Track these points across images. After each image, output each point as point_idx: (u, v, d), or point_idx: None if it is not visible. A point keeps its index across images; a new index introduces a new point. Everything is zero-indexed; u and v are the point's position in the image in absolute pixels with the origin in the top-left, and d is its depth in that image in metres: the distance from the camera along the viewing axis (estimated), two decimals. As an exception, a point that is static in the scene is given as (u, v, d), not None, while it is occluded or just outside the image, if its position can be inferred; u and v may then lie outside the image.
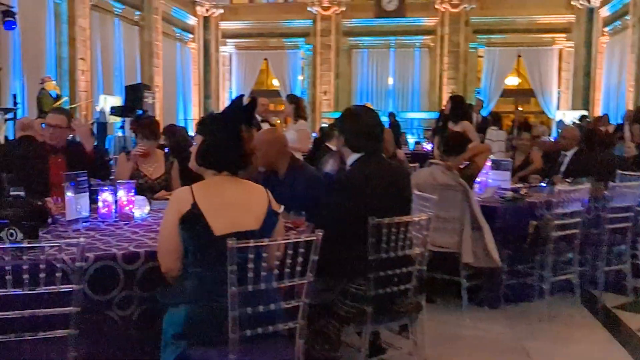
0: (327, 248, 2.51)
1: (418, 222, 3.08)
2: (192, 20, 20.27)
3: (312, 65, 20.17)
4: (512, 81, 20.55)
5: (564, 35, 19.14)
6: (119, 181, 3.81)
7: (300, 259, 2.45)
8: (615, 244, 5.00)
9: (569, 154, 6.22)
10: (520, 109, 19.71)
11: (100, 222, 3.57)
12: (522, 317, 4.63)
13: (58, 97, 11.64)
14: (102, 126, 13.70)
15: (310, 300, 2.53)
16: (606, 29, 17.96)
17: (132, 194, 3.68)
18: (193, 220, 2.48)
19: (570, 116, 17.17)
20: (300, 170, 4.06)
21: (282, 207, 3.61)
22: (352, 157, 3.08)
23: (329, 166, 5.95)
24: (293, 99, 7.01)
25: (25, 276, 2.18)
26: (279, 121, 10.55)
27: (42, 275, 2.20)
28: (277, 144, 4.08)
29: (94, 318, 2.63)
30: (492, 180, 5.55)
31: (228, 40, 20.79)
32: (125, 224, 3.53)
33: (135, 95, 13.33)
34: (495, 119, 10.45)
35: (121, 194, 3.66)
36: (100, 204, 3.67)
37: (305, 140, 6.84)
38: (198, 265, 2.50)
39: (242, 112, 2.65)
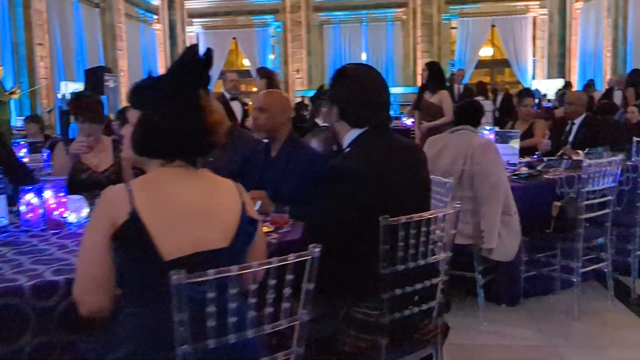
0: (323, 260, 1.66)
1: (444, 218, 2.22)
2: (156, 0, 19.03)
3: (283, 43, 19.09)
4: (486, 52, 19.73)
5: (537, 2, 18.33)
6: (44, 179, 2.89)
7: (288, 290, 1.59)
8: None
9: (577, 121, 5.41)
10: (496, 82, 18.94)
11: (23, 232, 2.68)
12: (547, 316, 3.83)
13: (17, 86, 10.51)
14: (65, 114, 12.59)
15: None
16: (581, -6, 17.22)
17: (63, 194, 2.77)
18: (131, 237, 1.59)
19: (547, 85, 16.46)
20: (299, 148, 3.18)
21: (259, 204, 2.74)
22: (350, 135, 2.19)
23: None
24: (264, 73, 6.06)
25: None
26: (251, 102, 9.58)
27: None
28: (287, 107, 3.21)
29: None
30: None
31: (194, 20, 19.58)
32: (55, 234, 2.64)
33: (95, 79, 12.22)
34: (480, 88, 9.61)
35: (48, 194, 2.75)
36: (22, 207, 2.76)
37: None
38: (138, 303, 1.62)
39: (199, 69, 1.72)
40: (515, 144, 4.68)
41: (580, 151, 4.80)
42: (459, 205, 2.28)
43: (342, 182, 2.09)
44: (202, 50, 1.73)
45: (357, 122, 2.17)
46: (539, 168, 4.24)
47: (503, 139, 4.75)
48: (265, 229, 2.45)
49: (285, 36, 18.99)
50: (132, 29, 17.52)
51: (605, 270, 3.87)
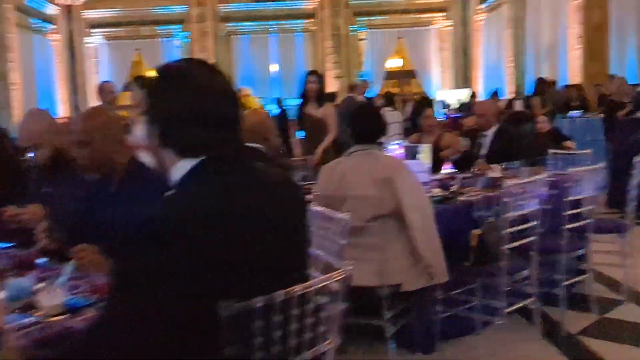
0: None
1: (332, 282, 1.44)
2: (52, 9, 17.46)
3: (190, 54, 17.98)
4: (394, 63, 19.46)
5: (441, 14, 18.22)
6: None
7: None
8: (575, 248, 3.63)
9: (489, 133, 4.84)
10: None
11: None
12: (468, 364, 3.16)
13: None
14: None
15: None
16: (482, 6, 17.20)
17: None
18: None
19: (452, 96, 16.30)
20: (145, 177, 2.30)
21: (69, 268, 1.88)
22: (179, 168, 1.39)
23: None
24: (145, 83, 5.13)
25: None
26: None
27: None
28: (112, 128, 2.35)
29: None
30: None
31: (94, 30, 18.12)
32: None
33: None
34: (388, 99, 9.03)
35: None
36: None
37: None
38: None
39: None
40: (426, 159, 4.01)
41: (496, 165, 4.20)
42: (350, 268, 1.51)
43: (159, 243, 1.26)
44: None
45: (186, 149, 1.36)
46: (453, 189, 3.58)
47: (412, 154, 4.07)
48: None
49: (192, 47, 17.92)
50: (25, 39, 15.95)
51: (532, 307, 3.24)
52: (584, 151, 4.49)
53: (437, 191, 3.47)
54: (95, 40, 18.14)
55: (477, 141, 4.93)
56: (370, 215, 2.85)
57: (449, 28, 18.20)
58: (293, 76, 18.07)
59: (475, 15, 17.57)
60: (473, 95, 11.86)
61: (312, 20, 17.99)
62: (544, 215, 3.44)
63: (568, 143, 5.62)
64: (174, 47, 18.16)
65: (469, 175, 4.06)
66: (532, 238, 3.14)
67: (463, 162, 4.74)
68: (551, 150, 4.55)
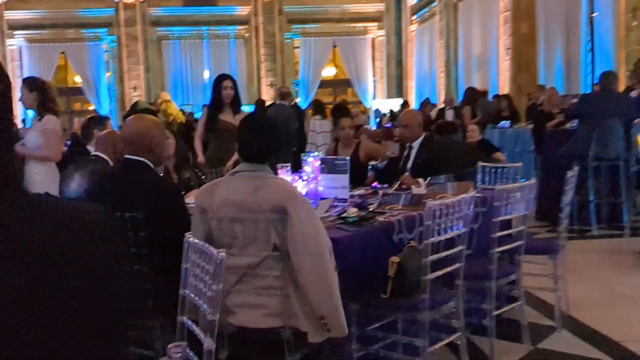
0: None
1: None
2: (-32, 10, 16.24)
3: (118, 59, 17.08)
4: (329, 72, 19.13)
5: (375, 24, 18.02)
6: None
7: None
8: (506, 273, 3.22)
9: (415, 144, 4.43)
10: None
11: None
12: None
13: None
14: None
15: None
16: (415, 17, 17.11)
17: None
18: None
19: (387, 105, 16.07)
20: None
21: None
22: None
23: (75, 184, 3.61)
24: (35, 85, 4.44)
25: None
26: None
27: None
28: None
29: None
30: (324, 187, 3.57)
31: (16, 32, 16.93)
32: None
33: None
34: (317, 107, 8.57)
35: None
36: None
37: (55, 145, 4.35)
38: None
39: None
40: (345, 178, 3.53)
41: (421, 180, 3.78)
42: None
43: None
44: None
45: None
46: (371, 208, 3.11)
47: (330, 168, 3.59)
48: None
49: (120, 51, 17.03)
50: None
51: (458, 342, 2.81)
52: (514, 164, 4.14)
53: (353, 211, 2.98)
54: (16, 42, 16.97)
55: (404, 153, 4.52)
56: (253, 248, 2.34)
57: (383, 38, 18.02)
58: (226, 83, 17.45)
59: (410, 26, 17.46)
60: (404, 105, 11.57)
61: (246, 26, 17.43)
62: (470, 237, 3.03)
63: (498, 155, 5.31)
64: (102, 51, 17.21)
65: (391, 191, 3.61)
66: (457, 265, 2.71)
67: (391, 172, 4.33)
68: (480, 163, 4.17)
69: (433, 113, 10.67)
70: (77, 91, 17.58)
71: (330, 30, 17.75)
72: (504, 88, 11.88)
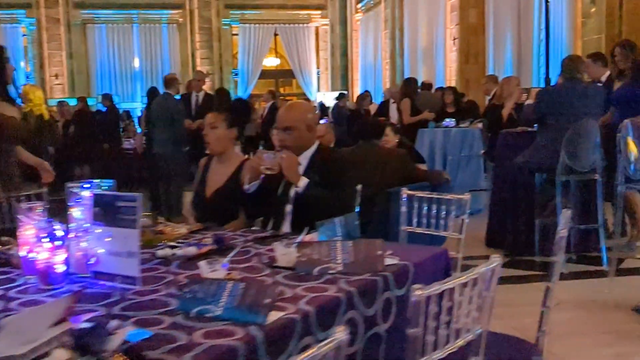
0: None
1: None
2: None
3: (38, 44, 14.83)
4: (271, 62, 17.30)
5: (319, 12, 16.26)
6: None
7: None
8: None
9: (303, 160, 2.72)
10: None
11: None
12: None
13: None
14: None
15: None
16: (360, 5, 15.42)
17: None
18: None
19: (331, 97, 14.38)
20: None
21: None
22: None
23: None
24: None
25: None
26: None
27: None
28: None
29: None
30: (106, 253, 1.82)
31: None
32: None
33: None
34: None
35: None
36: None
37: None
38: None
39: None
40: (132, 236, 1.78)
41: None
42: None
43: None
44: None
45: None
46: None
47: (109, 214, 1.84)
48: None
49: (40, 35, 14.79)
50: None
51: None
52: (461, 196, 2.42)
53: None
54: None
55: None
56: None
57: (326, 27, 16.29)
58: (157, 72, 15.40)
59: (355, 14, 15.79)
60: (340, 97, 9.82)
61: (180, 10, 15.40)
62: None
63: (420, 167, 3.65)
64: (19, 34, 14.93)
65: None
66: None
67: (265, 200, 2.63)
68: (407, 192, 2.49)
69: (372, 108, 9.02)
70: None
71: (271, 17, 15.94)
72: (451, 81, 10.41)
